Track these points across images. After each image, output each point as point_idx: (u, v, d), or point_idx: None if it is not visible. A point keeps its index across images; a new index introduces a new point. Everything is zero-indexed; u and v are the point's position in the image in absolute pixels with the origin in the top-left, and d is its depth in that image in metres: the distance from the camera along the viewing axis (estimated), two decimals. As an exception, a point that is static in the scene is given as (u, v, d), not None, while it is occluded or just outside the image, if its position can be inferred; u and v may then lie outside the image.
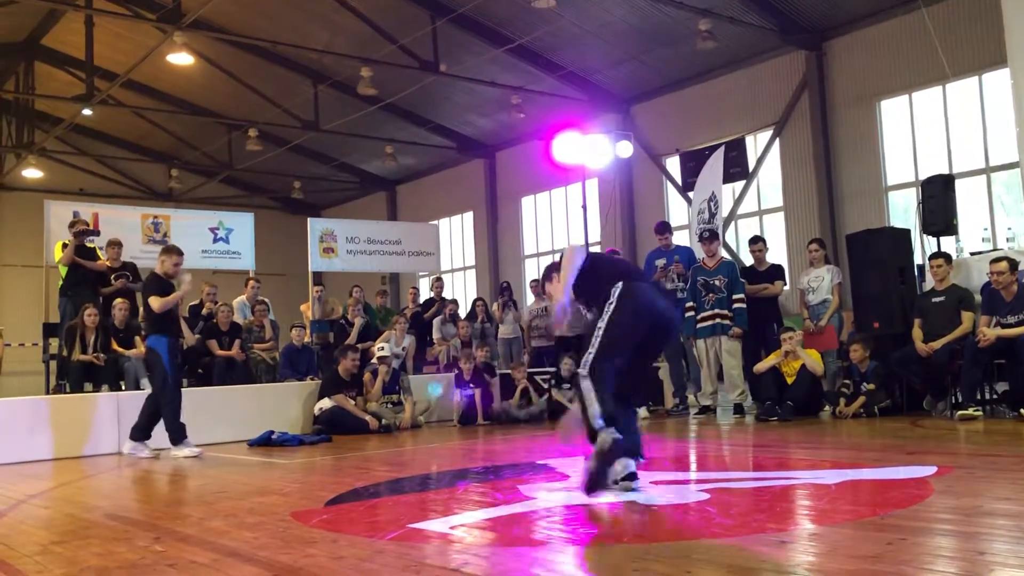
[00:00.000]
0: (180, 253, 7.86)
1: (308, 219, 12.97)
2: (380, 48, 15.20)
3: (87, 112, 17.95)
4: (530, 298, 12.53)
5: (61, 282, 9.96)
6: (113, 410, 8.40)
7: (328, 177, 23.08)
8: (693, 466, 5.60)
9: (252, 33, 15.75)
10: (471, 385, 9.92)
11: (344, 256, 12.56)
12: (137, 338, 9.64)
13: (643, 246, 16.02)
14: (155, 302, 7.55)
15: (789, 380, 8.19)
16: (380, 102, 17.36)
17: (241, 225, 12.36)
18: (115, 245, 10.23)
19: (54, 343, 10.06)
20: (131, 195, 22.28)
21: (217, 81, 18.20)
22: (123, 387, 9.15)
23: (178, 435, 7.49)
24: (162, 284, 7.65)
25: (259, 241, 12.61)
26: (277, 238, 19.91)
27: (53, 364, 9.84)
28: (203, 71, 17.53)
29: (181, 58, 15.46)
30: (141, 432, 7.74)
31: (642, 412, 9.14)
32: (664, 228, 10.11)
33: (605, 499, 4.01)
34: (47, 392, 9.75)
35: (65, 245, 9.91)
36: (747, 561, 2.77)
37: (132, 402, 8.52)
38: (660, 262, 9.66)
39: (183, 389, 7.96)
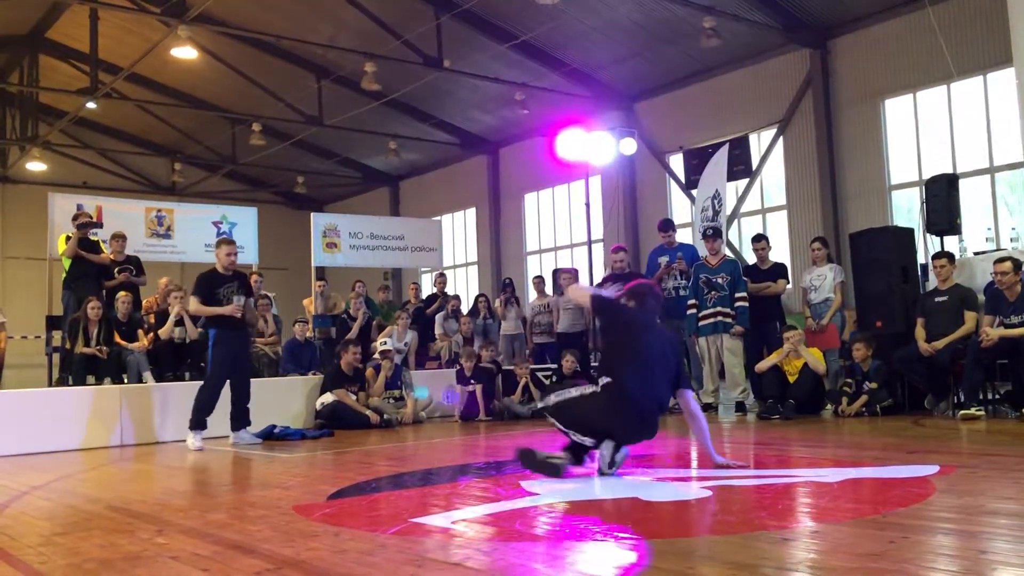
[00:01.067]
0: (231, 243, 7.86)
1: (311, 214, 12.98)
2: (384, 43, 15.19)
3: (91, 105, 17.94)
4: (532, 294, 12.54)
5: (64, 275, 9.98)
6: (115, 403, 8.41)
7: (331, 172, 23.09)
8: (695, 463, 5.60)
9: (256, 27, 15.75)
10: (472, 381, 9.92)
11: (347, 251, 12.57)
12: (140, 331, 9.67)
13: (646, 243, 16.02)
14: (191, 303, 7.71)
15: (791, 379, 8.19)
16: (384, 97, 17.37)
17: (244, 219, 12.37)
18: (119, 238, 10.24)
19: (57, 336, 10.08)
20: (134, 188, 22.33)
21: (221, 75, 18.20)
22: (125, 380, 9.15)
23: (194, 424, 7.50)
24: (207, 284, 7.59)
25: (262, 235, 12.62)
26: (280, 233, 19.92)
27: (56, 357, 9.86)
28: (207, 65, 17.54)
29: (185, 52, 15.45)
30: (237, 421, 7.82)
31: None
32: (667, 226, 10.10)
33: (607, 495, 4.01)
34: (50, 385, 9.77)
35: (68, 238, 9.93)
36: (749, 558, 2.77)
37: (134, 395, 8.55)
38: (663, 259, 9.66)
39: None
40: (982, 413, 7.09)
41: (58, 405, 8.18)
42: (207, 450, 7.38)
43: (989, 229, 11.44)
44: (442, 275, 13.31)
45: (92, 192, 17.62)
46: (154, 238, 11.52)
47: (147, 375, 9.26)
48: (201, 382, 7.87)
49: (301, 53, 17.23)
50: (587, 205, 11.62)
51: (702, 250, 9.58)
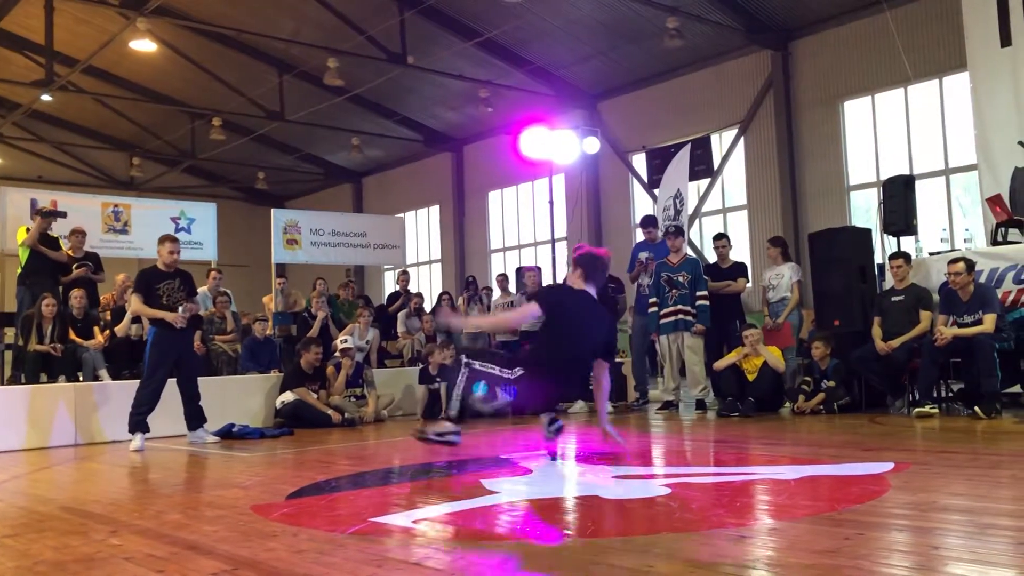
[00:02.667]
0: (174, 240, 7.69)
1: (272, 210, 12.84)
2: (347, 39, 15.09)
3: (46, 98, 17.61)
4: (496, 292, 12.52)
5: (20, 270, 9.75)
6: (70, 401, 8.25)
7: (293, 168, 22.88)
8: (655, 461, 5.63)
9: (217, 21, 15.55)
10: (438, 380, 9.88)
11: (308, 248, 12.44)
12: (96, 328, 9.50)
13: (609, 242, 16.10)
14: (133, 302, 7.55)
15: (750, 377, 8.27)
16: (347, 93, 17.25)
17: (203, 215, 12.21)
18: (79, 234, 10.02)
19: (9, 333, 9.86)
20: (91, 183, 21.95)
21: (181, 69, 17.95)
22: (80, 378, 8.99)
23: (133, 426, 7.37)
24: (146, 281, 7.46)
25: (222, 232, 12.46)
26: (240, 229, 19.72)
27: (8, 354, 9.64)
28: (166, 58, 17.28)
29: (144, 45, 15.21)
30: (192, 420, 7.72)
31: (607, 407, 9.19)
32: (650, 222, 10.14)
33: (567, 493, 4.02)
34: (1, 383, 9.56)
35: (28, 230, 9.70)
36: (707, 555, 2.79)
37: (89, 394, 8.39)
38: (643, 255, 9.69)
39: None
40: (936, 411, 7.21)
41: (10, 403, 8.00)
42: (164, 450, 7.28)
43: (944, 230, 11.65)
44: (405, 273, 13.24)
45: (47, 186, 17.29)
46: (111, 233, 11.32)
47: (103, 373, 9.09)
48: None
49: (263, 48, 17.05)
50: (551, 203, 11.64)
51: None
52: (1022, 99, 9.40)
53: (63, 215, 10.08)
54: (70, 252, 9.89)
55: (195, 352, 7.87)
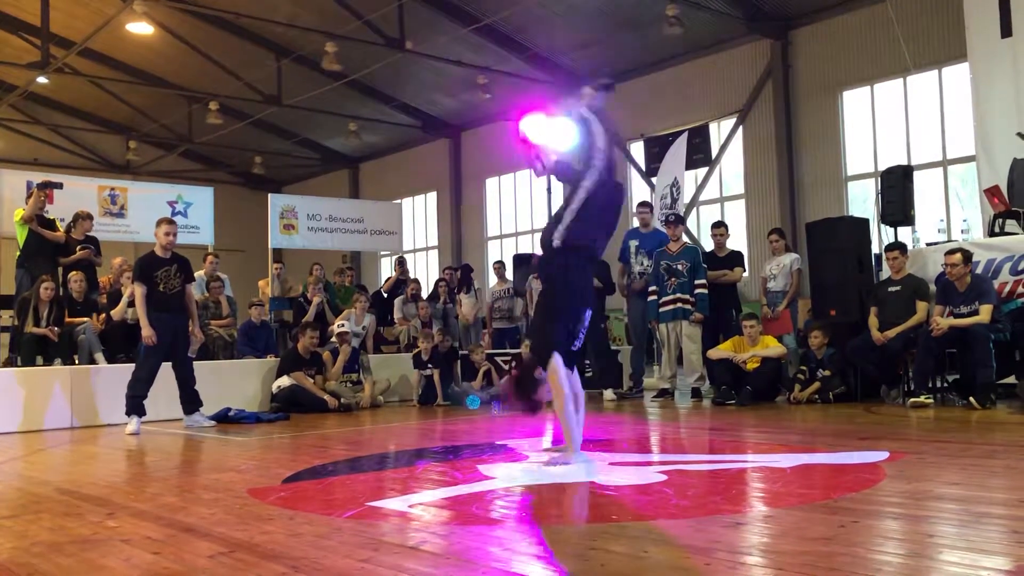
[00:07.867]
0: (171, 223, 7.72)
1: (269, 195, 12.81)
2: (345, 23, 15.01)
3: (42, 80, 17.53)
4: (492, 279, 12.52)
5: (18, 253, 9.71)
6: (66, 384, 8.25)
7: (290, 153, 22.81)
8: (651, 448, 5.65)
9: (214, 4, 15.44)
10: (430, 366, 9.89)
11: (304, 233, 12.43)
12: (94, 313, 9.47)
13: (606, 230, 16.02)
14: (136, 293, 7.50)
15: (750, 367, 8.27)
16: (344, 78, 17.17)
17: (200, 199, 12.17)
18: (85, 218, 9.99)
19: (5, 315, 9.83)
20: (87, 166, 21.86)
21: (178, 52, 17.85)
22: (76, 361, 8.97)
23: (130, 409, 7.37)
24: (144, 269, 7.46)
25: (218, 216, 12.43)
26: (237, 213, 19.66)
27: (5, 336, 9.62)
28: (163, 41, 17.19)
29: (141, 27, 15.14)
30: (188, 404, 7.75)
31: (608, 394, 9.21)
32: (646, 204, 10.21)
33: (566, 480, 4.03)
34: (-3, 365, 9.55)
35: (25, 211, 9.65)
36: (702, 542, 2.80)
37: (85, 377, 8.39)
38: (633, 243, 9.67)
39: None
40: (931, 401, 7.23)
41: (6, 386, 8.00)
42: (160, 434, 7.29)
43: (941, 221, 11.66)
44: (401, 259, 13.24)
45: (43, 169, 17.19)
46: (107, 217, 11.28)
47: (99, 356, 9.08)
48: None
49: (260, 31, 16.95)
50: (548, 191, 11.63)
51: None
52: (1022, 90, 9.39)
53: (59, 186, 10.05)
54: (73, 235, 9.85)
55: (189, 336, 7.87)
